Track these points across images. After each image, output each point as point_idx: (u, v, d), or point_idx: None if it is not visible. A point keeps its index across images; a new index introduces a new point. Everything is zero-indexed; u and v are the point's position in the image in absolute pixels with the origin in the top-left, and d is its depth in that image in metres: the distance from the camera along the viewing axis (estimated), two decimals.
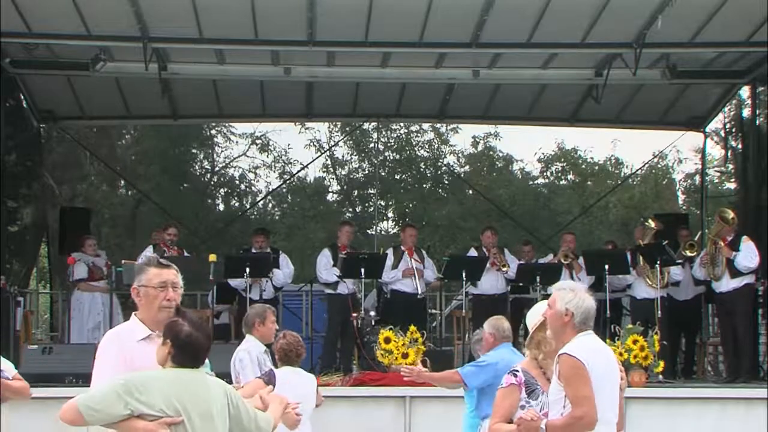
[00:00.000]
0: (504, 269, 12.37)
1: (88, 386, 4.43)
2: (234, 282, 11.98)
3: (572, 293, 4.72)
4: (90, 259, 12.79)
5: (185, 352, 4.15)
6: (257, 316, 7.42)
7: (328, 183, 26.70)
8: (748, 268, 11.29)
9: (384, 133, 23.79)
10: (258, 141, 25.34)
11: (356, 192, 25.98)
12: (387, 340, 10.34)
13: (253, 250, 12.57)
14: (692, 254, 11.98)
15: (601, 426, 4.57)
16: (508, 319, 12.58)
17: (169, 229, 12.74)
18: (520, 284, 12.78)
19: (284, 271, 12.40)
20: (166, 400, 4.03)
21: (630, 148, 32.34)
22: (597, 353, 4.65)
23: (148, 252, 12.53)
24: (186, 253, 12.85)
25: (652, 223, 12.41)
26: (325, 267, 12.23)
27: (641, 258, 11.98)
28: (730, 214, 11.69)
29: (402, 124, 23.74)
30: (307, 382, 7.05)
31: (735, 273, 11.32)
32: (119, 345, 4.46)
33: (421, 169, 25.91)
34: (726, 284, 11.40)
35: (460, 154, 26.02)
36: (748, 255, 11.28)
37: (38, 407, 8.18)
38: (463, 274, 11.87)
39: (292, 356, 6.95)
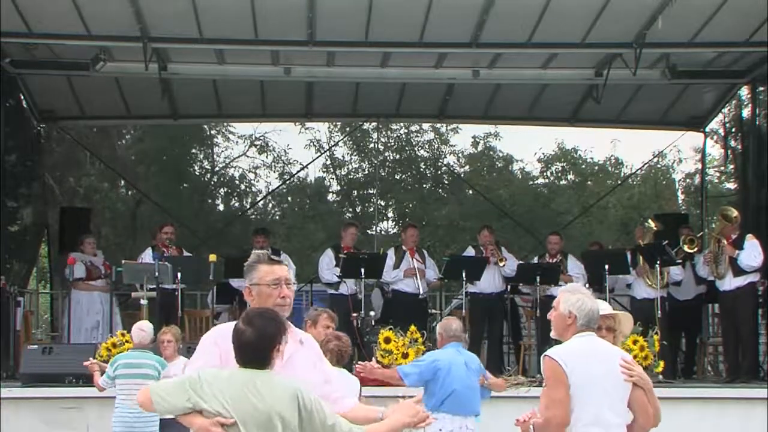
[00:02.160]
0: (501, 264, 12.36)
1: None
2: (236, 282, 11.96)
3: (574, 296, 4.75)
4: (88, 259, 12.79)
5: (235, 348, 4.01)
6: (310, 318, 7.01)
7: (328, 183, 26.67)
8: (751, 266, 11.25)
9: (384, 133, 23.75)
10: (258, 141, 25.35)
11: (356, 192, 25.93)
12: (387, 340, 10.34)
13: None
14: (691, 250, 11.92)
15: (595, 428, 4.54)
16: (506, 317, 12.75)
17: (165, 227, 12.69)
18: (520, 284, 12.79)
19: None
20: (221, 399, 3.92)
21: (630, 148, 32.40)
22: (584, 355, 4.61)
23: (148, 253, 12.50)
24: (186, 253, 12.83)
25: (652, 224, 12.40)
26: (327, 267, 12.25)
27: (641, 258, 11.98)
28: (733, 213, 11.67)
29: (402, 124, 23.72)
30: (355, 383, 6.76)
31: (738, 271, 11.30)
32: (219, 342, 4.25)
33: (421, 169, 25.87)
34: (729, 283, 11.38)
35: (460, 154, 26.00)
36: (751, 253, 11.24)
37: (38, 407, 8.18)
38: (463, 274, 11.87)
39: (345, 358, 6.67)
